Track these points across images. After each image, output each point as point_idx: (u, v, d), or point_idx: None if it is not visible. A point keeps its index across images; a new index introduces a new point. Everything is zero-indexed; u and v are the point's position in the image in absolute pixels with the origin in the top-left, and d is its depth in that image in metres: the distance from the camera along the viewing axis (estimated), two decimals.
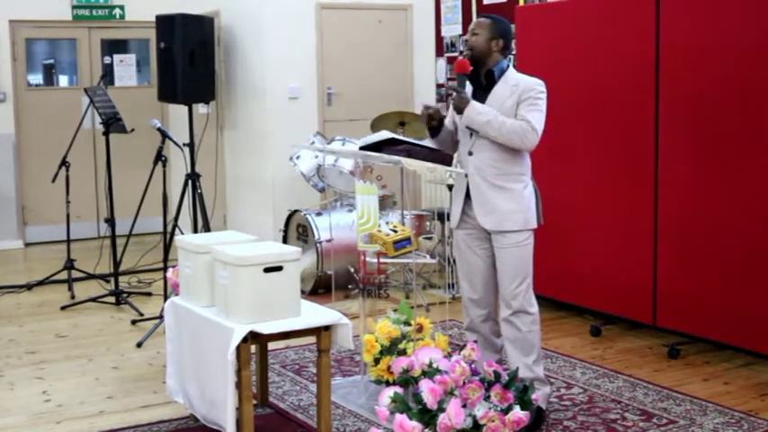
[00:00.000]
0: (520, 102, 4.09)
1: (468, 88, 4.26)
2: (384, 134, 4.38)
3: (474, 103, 4.09)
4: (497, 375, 3.37)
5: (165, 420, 4.32)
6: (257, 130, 7.88)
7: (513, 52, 4.31)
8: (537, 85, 4.14)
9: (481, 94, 4.19)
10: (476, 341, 3.90)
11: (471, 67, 4.14)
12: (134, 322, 6.09)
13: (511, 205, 4.13)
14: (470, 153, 4.19)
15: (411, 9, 8.17)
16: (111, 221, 6.59)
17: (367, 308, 4.81)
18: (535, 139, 4.05)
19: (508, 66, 4.24)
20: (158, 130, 6.02)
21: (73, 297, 6.82)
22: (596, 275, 5.73)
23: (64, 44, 9.53)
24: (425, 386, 3.30)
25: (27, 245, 9.12)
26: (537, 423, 4.12)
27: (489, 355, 4.31)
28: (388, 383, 4.06)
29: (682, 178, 5.15)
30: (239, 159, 8.27)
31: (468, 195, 4.23)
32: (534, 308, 4.19)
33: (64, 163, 7.04)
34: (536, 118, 4.07)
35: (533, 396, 3.40)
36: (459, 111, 4.10)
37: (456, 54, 7.93)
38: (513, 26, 4.35)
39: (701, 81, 5.00)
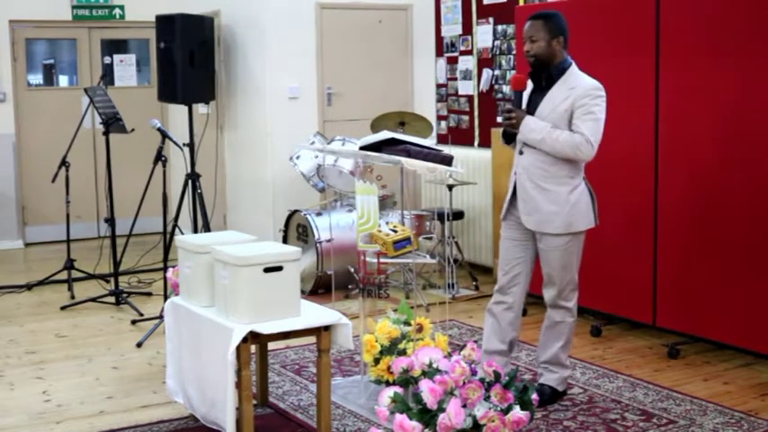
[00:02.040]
0: (575, 108, 4.11)
1: (530, 86, 4.32)
2: (384, 134, 4.38)
3: (528, 121, 4.15)
4: (497, 375, 3.37)
5: (165, 420, 4.32)
6: (257, 130, 7.87)
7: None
8: (593, 90, 4.12)
9: (539, 94, 4.23)
10: (476, 341, 3.91)
11: (526, 86, 4.25)
12: (134, 322, 6.09)
13: (553, 207, 4.20)
14: (521, 152, 4.28)
15: (411, 9, 8.17)
16: (111, 221, 6.59)
17: (367, 308, 4.80)
18: (590, 150, 4.11)
19: (570, 64, 4.22)
20: (158, 130, 6.02)
21: (73, 297, 6.82)
22: (596, 275, 5.73)
23: (64, 44, 9.53)
24: (425, 386, 3.30)
25: (27, 245, 9.11)
26: (549, 401, 4.38)
27: (495, 343, 4.45)
28: (388, 383, 4.06)
29: (682, 178, 5.15)
30: (239, 159, 8.27)
31: (514, 193, 4.32)
32: (571, 303, 4.39)
33: (64, 163, 7.04)
34: (591, 128, 4.09)
35: (533, 396, 3.40)
36: (515, 128, 4.21)
37: (456, 54, 7.94)
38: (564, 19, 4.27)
39: (702, 77, 5.00)
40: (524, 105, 4.30)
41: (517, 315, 4.47)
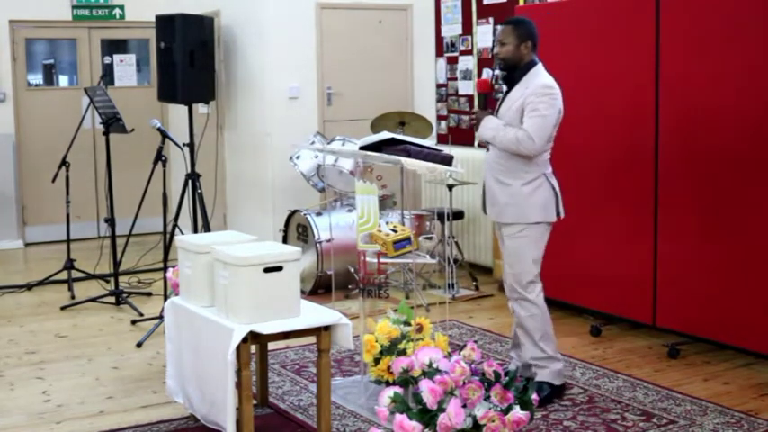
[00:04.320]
0: (525, 106, 4.33)
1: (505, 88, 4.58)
2: (384, 134, 4.38)
3: (485, 120, 4.45)
4: (497, 375, 3.37)
5: (165, 420, 4.32)
6: (257, 130, 7.87)
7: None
8: (542, 88, 4.32)
9: (505, 94, 4.50)
10: (476, 341, 3.92)
11: (490, 89, 4.53)
12: (134, 322, 6.09)
13: (507, 199, 4.43)
14: (487, 150, 4.56)
15: (411, 9, 8.17)
16: (111, 221, 6.59)
17: (367, 308, 4.80)
18: (531, 145, 4.30)
19: (533, 65, 4.43)
20: (158, 130, 6.02)
21: (73, 297, 6.82)
22: (596, 275, 5.73)
23: (64, 44, 9.53)
24: (425, 386, 3.30)
25: (27, 245, 9.11)
26: (549, 398, 4.43)
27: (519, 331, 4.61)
28: (388, 383, 4.06)
29: (682, 178, 5.14)
30: (239, 159, 8.27)
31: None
32: (533, 296, 4.47)
33: (64, 163, 7.04)
34: (533, 125, 4.30)
35: (533, 396, 3.40)
36: (476, 128, 4.51)
37: (456, 54, 7.94)
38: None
39: (702, 79, 5.00)
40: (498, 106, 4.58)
41: None
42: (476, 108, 4.61)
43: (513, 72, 4.43)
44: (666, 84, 5.19)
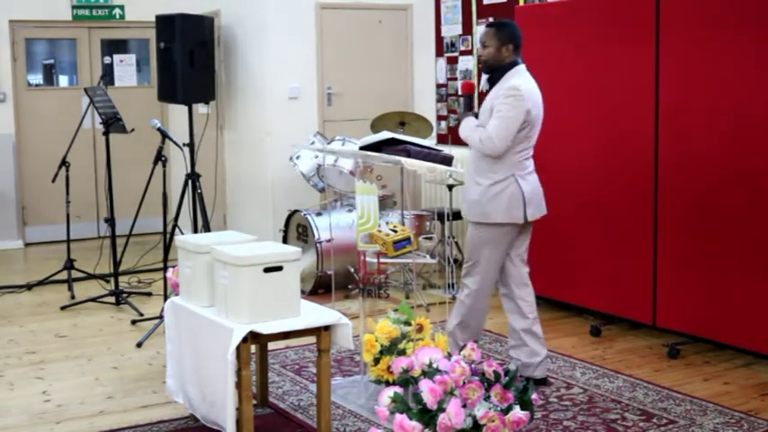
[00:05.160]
0: (493, 107, 4.45)
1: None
2: (384, 134, 4.38)
3: (464, 121, 4.58)
4: (497, 375, 3.37)
5: (165, 420, 4.32)
6: (257, 130, 7.87)
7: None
8: (507, 90, 4.43)
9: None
10: (476, 341, 3.92)
11: (474, 90, 4.64)
12: (134, 322, 6.09)
13: (475, 197, 4.55)
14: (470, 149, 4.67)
15: (411, 9, 8.17)
16: (111, 221, 6.59)
17: (367, 308, 4.80)
18: (491, 145, 4.40)
19: (512, 67, 4.51)
20: (158, 130, 6.02)
21: (73, 297, 6.82)
22: (596, 275, 5.73)
23: (64, 44, 9.53)
24: (425, 386, 3.30)
25: (27, 245, 9.11)
26: None
27: (513, 319, 4.75)
28: (388, 383, 4.06)
29: (682, 178, 5.15)
30: (239, 159, 8.27)
31: None
32: (469, 281, 4.64)
33: (64, 163, 7.04)
34: (495, 126, 4.40)
35: (533, 396, 3.39)
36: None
37: (456, 54, 7.94)
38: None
39: (701, 82, 5.00)
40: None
41: (509, 296, 4.77)
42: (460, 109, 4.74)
43: (494, 72, 4.55)
44: (666, 82, 5.19)
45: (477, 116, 4.61)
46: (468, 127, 4.54)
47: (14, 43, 9.03)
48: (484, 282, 4.62)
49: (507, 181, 4.47)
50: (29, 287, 7.16)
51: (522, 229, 4.60)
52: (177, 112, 8.98)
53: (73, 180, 7.26)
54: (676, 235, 5.20)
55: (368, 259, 4.60)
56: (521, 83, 4.42)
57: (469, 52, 7.81)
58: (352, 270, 6.21)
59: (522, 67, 4.52)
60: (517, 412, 3.29)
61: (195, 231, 6.96)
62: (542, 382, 4.65)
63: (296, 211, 7.02)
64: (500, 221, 4.50)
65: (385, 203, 6.91)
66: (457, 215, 7.26)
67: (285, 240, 7.12)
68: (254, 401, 4.28)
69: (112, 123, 6.58)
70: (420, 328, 4.23)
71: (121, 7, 9.32)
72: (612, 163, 5.57)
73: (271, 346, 4.76)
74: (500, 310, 6.27)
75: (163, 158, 5.92)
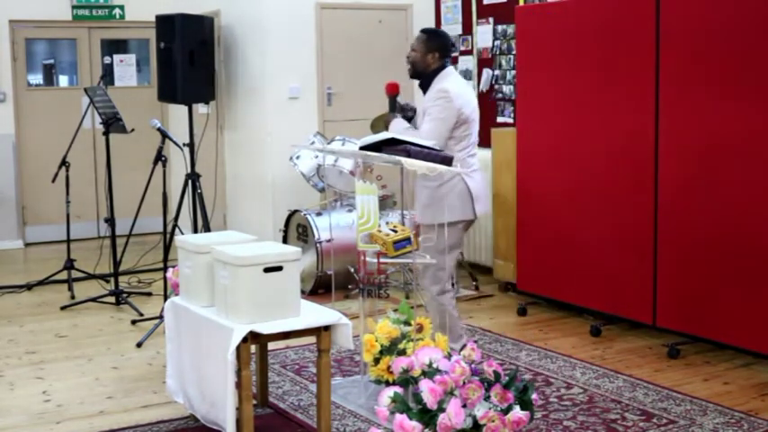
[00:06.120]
0: (425, 110, 4.60)
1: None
2: (384, 134, 4.38)
3: (392, 123, 4.69)
4: (497, 375, 3.37)
5: (165, 420, 4.32)
6: (257, 130, 7.87)
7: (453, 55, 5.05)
8: (436, 92, 4.59)
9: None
10: (476, 341, 3.92)
11: (399, 91, 4.77)
12: (134, 322, 6.09)
13: (426, 200, 4.64)
14: None
15: (411, 9, 8.17)
16: (111, 221, 6.59)
17: (367, 308, 4.80)
18: None
19: (439, 72, 4.68)
20: (158, 130, 6.02)
21: (73, 297, 6.82)
22: (596, 275, 5.73)
23: (64, 44, 9.53)
24: (425, 386, 3.30)
25: (27, 245, 9.11)
26: None
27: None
28: (388, 383, 4.06)
29: (682, 178, 5.15)
30: (239, 159, 8.27)
31: None
32: (434, 292, 4.63)
33: (64, 163, 7.04)
34: (426, 128, 4.52)
35: (533, 396, 3.39)
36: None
37: (456, 54, 7.93)
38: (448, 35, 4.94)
39: (701, 78, 5.00)
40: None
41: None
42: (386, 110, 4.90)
43: (421, 78, 4.72)
44: (666, 81, 5.19)
45: (410, 115, 4.76)
46: (396, 130, 4.58)
47: (14, 43, 9.03)
48: (447, 283, 4.68)
49: (455, 180, 4.58)
50: (29, 287, 7.16)
51: (468, 226, 4.72)
52: (177, 112, 8.98)
53: (73, 180, 7.26)
54: (676, 235, 5.20)
55: (368, 259, 4.60)
56: (449, 85, 4.57)
57: (469, 52, 7.81)
58: (352, 270, 6.21)
59: (449, 69, 4.69)
60: (517, 412, 3.29)
61: (195, 231, 6.96)
62: None
63: (296, 211, 7.02)
64: (454, 219, 4.56)
65: (385, 203, 6.91)
66: None
67: (285, 240, 7.12)
68: (254, 401, 4.28)
69: (112, 123, 6.58)
70: (420, 328, 4.23)
71: (121, 7, 9.32)
72: (612, 162, 5.56)
73: (271, 346, 4.76)
74: (500, 310, 6.29)
75: (163, 158, 5.92)
